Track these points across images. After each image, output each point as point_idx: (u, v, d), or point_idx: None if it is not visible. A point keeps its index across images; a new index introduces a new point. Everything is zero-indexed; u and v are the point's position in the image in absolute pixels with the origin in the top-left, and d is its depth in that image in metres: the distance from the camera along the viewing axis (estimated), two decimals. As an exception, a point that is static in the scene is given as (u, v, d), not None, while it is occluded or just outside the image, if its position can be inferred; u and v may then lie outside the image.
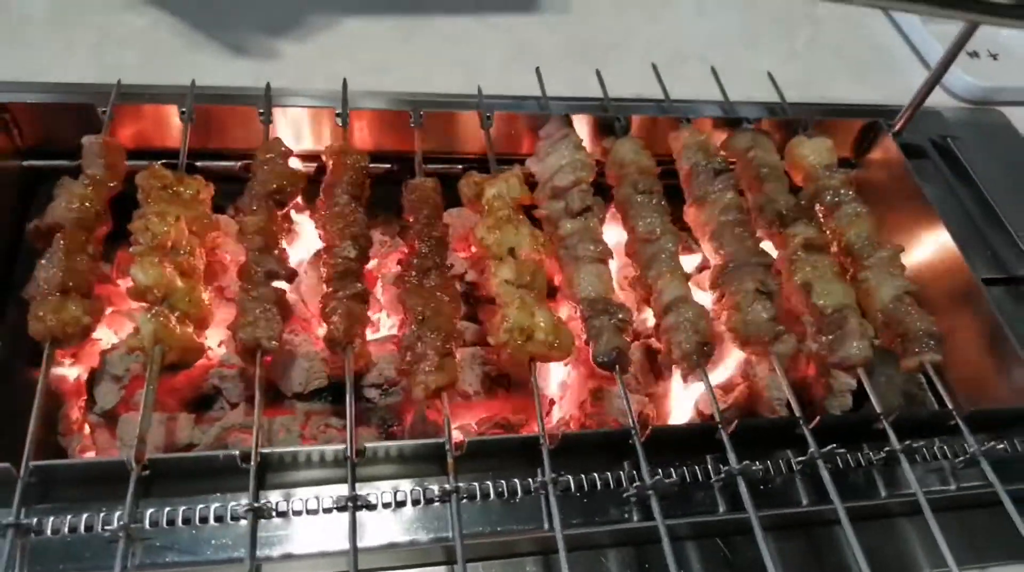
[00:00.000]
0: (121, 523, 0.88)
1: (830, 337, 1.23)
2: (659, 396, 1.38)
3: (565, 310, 1.39)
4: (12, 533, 0.87)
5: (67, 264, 1.09)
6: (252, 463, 0.99)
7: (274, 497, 1.02)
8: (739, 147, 1.48)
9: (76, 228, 1.14)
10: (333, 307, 1.13)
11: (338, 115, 1.40)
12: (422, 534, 1.03)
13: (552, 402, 1.39)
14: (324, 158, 1.34)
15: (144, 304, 1.09)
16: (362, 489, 1.02)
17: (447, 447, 1.03)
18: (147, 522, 0.95)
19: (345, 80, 1.46)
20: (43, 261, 1.10)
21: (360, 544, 0.94)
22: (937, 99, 1.67)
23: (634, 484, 1.04)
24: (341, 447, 1.03)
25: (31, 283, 1.09)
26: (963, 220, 1.58)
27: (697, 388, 1.34)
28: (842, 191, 1.39)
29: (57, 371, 1.25)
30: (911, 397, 1.46)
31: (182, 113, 1.35)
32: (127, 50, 1.64)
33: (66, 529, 0.92)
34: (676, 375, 1.32)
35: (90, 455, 1.20)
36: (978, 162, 1.67)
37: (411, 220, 1.29)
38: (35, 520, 0.92)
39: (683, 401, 1.39)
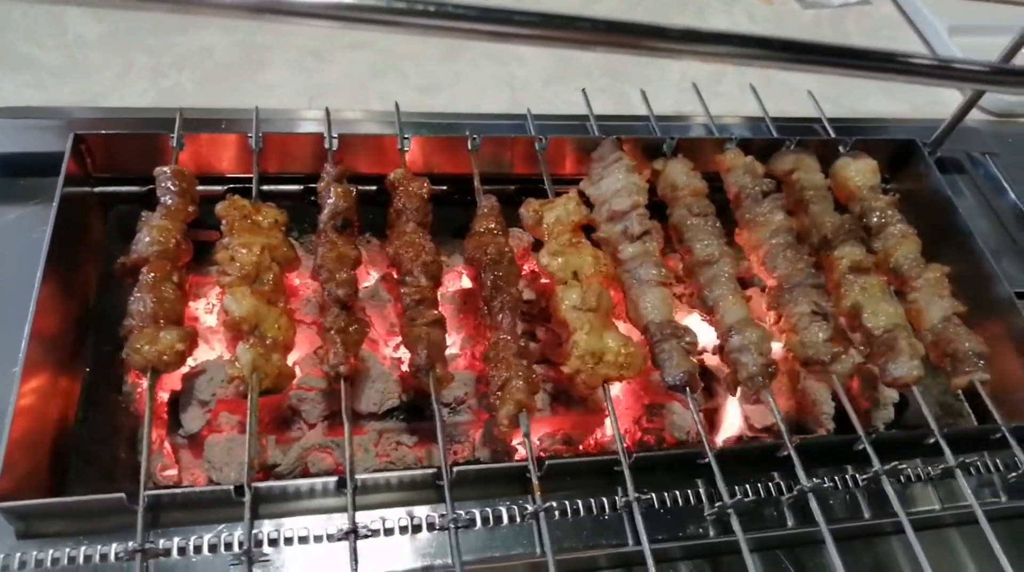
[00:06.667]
0: (243, 548, 0.93)
1: (883, 358, 1.28)
2: (710, 411, 1.43)
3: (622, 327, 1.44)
4: (140, 558, 0.92)
5: (157, 295, 1.13)
6: (348, 488, 1.04)
7: (368, 517, 1.08)
8: (783, 169, 1.52)
9: (161, 260, 1.18)
10: (416, 335, 1.17)
11: (403, 139, 1.43)
12: (509, 550, 1.09)
13: (606, 416, 1.44)
14: (389, 187, 1.37)
15: (236, 333, 1.13)
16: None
17: (530, 469, 1.08)
18: (265, 544, 1.00)
19: (397, 104, 1.50)
20: (135, 295, 1.14)
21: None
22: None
23: (715, 503, 1.10)
24: (431, 471, 1.08)
25: (126, 318, 1.13)
26: (1000, 235, 1.64)
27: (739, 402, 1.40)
28: (888, 212, 1.44)
29: (133, 391, 1.30)
30: (949, 408, 1.53)
31: (249, 138, 1.38)
32: (182, 73, 1.68)
33: (191, 551, 0.98)
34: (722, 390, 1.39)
35: (171, 473, 1.25)
36: (1014, 176, 1.73)
37: (476, 245, 1.34)
38: (160, 543, 0.97)
39: (731, 415, 1.44)
